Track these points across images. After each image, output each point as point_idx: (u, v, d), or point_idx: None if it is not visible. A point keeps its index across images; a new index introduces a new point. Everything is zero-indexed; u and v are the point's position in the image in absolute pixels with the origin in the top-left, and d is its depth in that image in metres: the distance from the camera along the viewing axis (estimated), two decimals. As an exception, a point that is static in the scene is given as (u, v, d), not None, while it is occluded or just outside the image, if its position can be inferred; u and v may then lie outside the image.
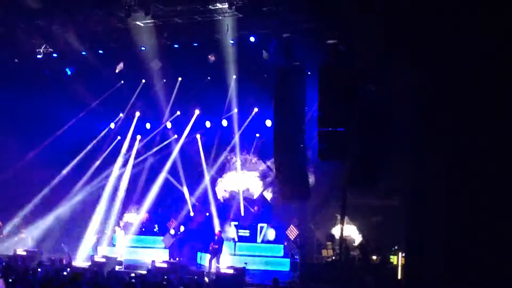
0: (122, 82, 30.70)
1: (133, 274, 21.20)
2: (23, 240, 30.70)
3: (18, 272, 18.42)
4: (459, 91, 19.70)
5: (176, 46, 26.29)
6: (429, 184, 20.36)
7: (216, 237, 26.65)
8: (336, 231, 26.41)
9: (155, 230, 30.88)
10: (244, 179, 30.82)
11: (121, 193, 32.91)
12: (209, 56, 26.03)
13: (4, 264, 21.24)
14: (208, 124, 31.91)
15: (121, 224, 31.11)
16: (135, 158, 33.59)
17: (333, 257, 25.56)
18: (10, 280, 16.46)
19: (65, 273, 19.98)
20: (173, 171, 32.59)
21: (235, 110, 30.75)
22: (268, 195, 30.29)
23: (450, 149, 19.84)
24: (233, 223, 29.55)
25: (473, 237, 19.30)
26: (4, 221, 30.66)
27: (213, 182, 31.40)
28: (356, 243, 26.17)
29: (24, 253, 27.22)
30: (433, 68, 20.08)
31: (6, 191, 31.29)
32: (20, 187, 31.38)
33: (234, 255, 27.44)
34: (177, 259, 27.30)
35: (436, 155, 20.13)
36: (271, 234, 28.67)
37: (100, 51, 27.61)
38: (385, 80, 21.89)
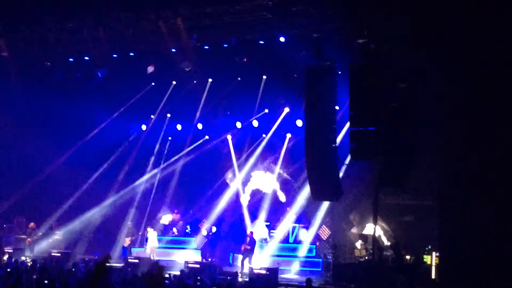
0: (153, 84, 30.87)
1: (166, 275, 21.31)
2: (57, 242, 31.05)
3: (54, 273, 18.62)
4: (491, 89, 19.44)
5: (206, 47, 26.34)
6: (462, 183, 20.11)
7: (248, 238, 26.70)
8: (368, 230, 26.25)
9: (187, 231, 30.99)
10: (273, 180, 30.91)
11: (153, 194, 33.14)
12: (244, 59, 26.12)
13: (39, 265, 21.52)
14: (239, 124, 31.93)
15: (154, 225, 31.23)
16: (167, 159, 33.78)
17: (366, 257, 25.40)
18: (46, 282, 16.62)
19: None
20: (204, 171, 32.70)
21: (266, 111, 30.83)
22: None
23: (483, 148, 19.58)
24: (264, 224, 29.54)
25: (508, 236, 19.04)
26: (38, 223, 31.05)
27: (244, 183, 31.46)
28: (388, 242, 25.99)
29: (59, 254, 27.56)
30: (465, 66, 19.83)
31: (41, 193, 31.74)
32: (54, 189, 31.76)
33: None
34: (209, 259, 27.41)
35: (468, 154, 19.88)
36: (303, 234, 28.61)
37: (131, 54, 27.78)
38: (416, 78, 21.70)
